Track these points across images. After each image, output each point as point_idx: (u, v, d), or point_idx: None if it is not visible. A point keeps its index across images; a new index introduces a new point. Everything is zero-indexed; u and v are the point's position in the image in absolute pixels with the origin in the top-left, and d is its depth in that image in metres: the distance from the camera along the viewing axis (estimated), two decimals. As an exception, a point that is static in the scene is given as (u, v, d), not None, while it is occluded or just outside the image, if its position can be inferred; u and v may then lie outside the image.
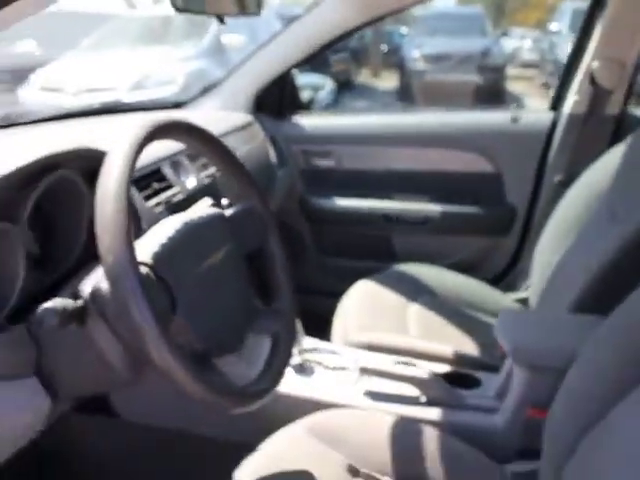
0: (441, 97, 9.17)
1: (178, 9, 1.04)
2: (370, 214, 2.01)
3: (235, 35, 6.49)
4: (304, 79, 2.30)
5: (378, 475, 1.04)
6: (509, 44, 14.27)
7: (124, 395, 1.37)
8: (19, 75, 6.36)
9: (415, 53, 9.88)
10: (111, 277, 0.70)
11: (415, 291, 1.64)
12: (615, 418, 0.74)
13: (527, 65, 12.74)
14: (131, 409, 1.39)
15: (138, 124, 0.81)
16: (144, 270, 0.75)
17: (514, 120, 1.87)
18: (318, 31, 1.88)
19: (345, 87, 10.63)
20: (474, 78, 9.43)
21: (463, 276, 1.76)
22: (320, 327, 1.51)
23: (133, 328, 0.70)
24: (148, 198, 1.17)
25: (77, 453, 1.50)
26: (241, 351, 0.90)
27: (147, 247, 0.79)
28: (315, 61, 2.04)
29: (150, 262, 0.77)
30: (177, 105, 2.00)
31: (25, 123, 1.48)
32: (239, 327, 0.91)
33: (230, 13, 1.07)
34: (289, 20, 2.02)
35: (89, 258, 0.92)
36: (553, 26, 10.88)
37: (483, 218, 1.95)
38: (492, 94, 9.27)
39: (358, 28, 1.90)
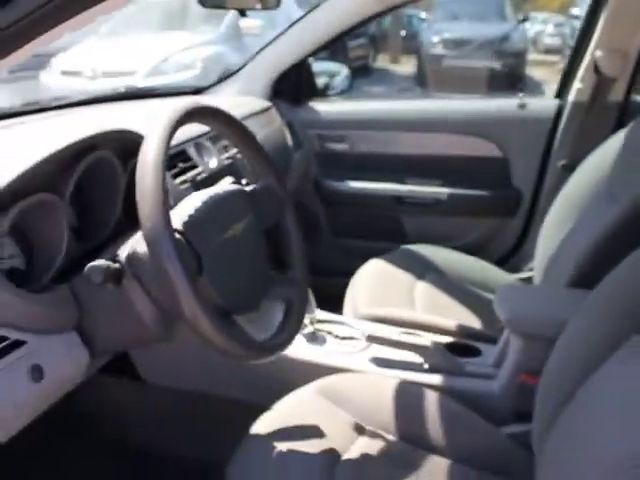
0: (459, 83, 9.07)
1: (203, 3, 1.14)
2: (382, 196, 2.10)
3: (252, 20, 6.54)
4: (320, 66, 2.36)
5: (382, 432, 1.13)
6: (531, 29, 14.10)
7: (148, 359, 1.48)
8: (43, 60, 6.47)
9: (434, 38, 9.79)
10: (149, 240, 0.81)
11: (423, 270, 1.72)
12: (597, 380, 0.82)
13: (549, 50, 12.56)
14: (154, 372, 1.49)
15: (170, 109, 0.91)
16: (176, 235, 0.86)
17: (521, 107, 1.94)
18: (335, 19, 1.95)
19: (363, 73, 10.54)
20: (493, 64, 9.30)
21: (470, 257, 1.83)
22: (333, 304, 1.59)
23: (167, 285, 0.81)
24: (175, 177, 1.27)
25: (102, 415, 1.61)
26: (257, 314, 1.00)
27: (178, 217, 0.89)
28: (333, 47, 2.11)
29: (181, 229, 0.88)
30: (198, 91, 2.09)
31: (57, 107, 1.58)
32: (256, 291, 1.01)
33: (251, 7, 1.16)
34: (308, 5, 2.10)
35: (122, 229, 1.03)
36: (575, 11, 10.73)
37: (490, 201, 2.02)
38: (511, 80, 9.08)
39: (375, 16, 1.97)
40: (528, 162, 1.96)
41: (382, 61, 12.31)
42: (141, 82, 5.61)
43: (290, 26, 2.01)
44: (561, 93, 1.95)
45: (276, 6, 1.23)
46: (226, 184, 1.06)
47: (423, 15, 13.15)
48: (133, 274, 0.89)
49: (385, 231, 2.14)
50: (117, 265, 0.88)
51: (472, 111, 2.03)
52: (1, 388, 0.84)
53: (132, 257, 0.89)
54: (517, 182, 1.99)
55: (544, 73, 10.51)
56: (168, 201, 0.83)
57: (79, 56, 6.35)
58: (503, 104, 2.02)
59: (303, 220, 1.72)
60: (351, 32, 1.97)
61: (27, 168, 0.89)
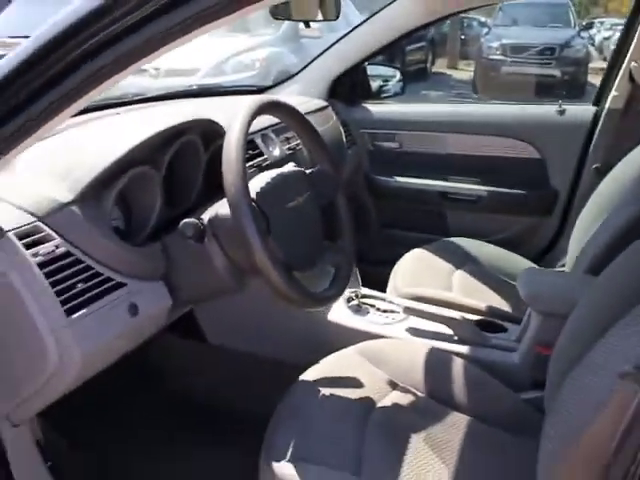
0: (516, 90, 9.01)
1: (273, 14, 1.35)
2: (427, 192, 2.25)
3: (311, 23, 6.72)
4: (376, 70, 2.54)
5: (412, 389, 1.29)
6: (598, 35, 13.77)
7: (214, 323, 1.70)
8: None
9: (494, 43, 9.72)
10: (231, 202, 1.03)
11: (461, 261, 1.87)
12: (601, 345, 0.89)
13: (616, 58, 12.15)
14: (218, 334, 1.71)
15: (249, 102, 1.13)
16: (252, 202, 1.07)
17: (560, 113, 2.08)
18: (390, 26, 2.12)
19: (421, 77, 10.51)
20: (553, 71, 9.22)
21: (506, 251, 1.96)
22: (378, 288, 1.74)
23: (242, 240, 1.02)
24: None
25: (169, 371, 1.82)
26: (312, 273, 1.21)
27: (252, 189, 1.11)
28: (390, 51, 2.29)
29: (255, 198, 1.10)
30: (261, 90, 2.31)
31: (139, 101, 1.81)
32: (312, 254, 1.23)
33: (313, 19, 1.36)
34: (368, 10, 2.27)
35: (202, 200, 1.25)
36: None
37: (528, 200, 2.15)
38: (571, 88, 8.84)
39: (428, 25, 2.14)
40: (565, 164, 2.09)
41: (440, 65, 12.27)
42: (202, 81, 5.79)
43: (349, 32, 2.20)
44: (599, 100, 2.07)
45: (336, 18, 1.42)
46: (289, 167, 1.27)
47: (483, 19, 13.09)
48: (213, 233, 1.12)
49: (428, 224, 2.29)
50: (200, 226, 1.10)
51: (513, 115, 2.17)
52: (106, 318, 1.07)
53: (214, 219, 1.11)
54: (554, 183, 2.12)
55: (607, 81, 10.22)
56: (246, 174, 1.05)
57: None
58: (543, 110, 2.15)
59: (354, 212, 1.92)
60: (405, 39, 2.13)
61: (132, 146, 1.12)
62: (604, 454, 0.75)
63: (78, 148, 1.20)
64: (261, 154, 1.60)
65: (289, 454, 1.10)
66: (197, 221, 1.09)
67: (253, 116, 1.12)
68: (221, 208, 1.12)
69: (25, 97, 0.81)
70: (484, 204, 2.20)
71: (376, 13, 2.16)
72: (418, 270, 1.82)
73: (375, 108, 2.34)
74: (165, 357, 1.80)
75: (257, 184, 1.13)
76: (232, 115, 1.14)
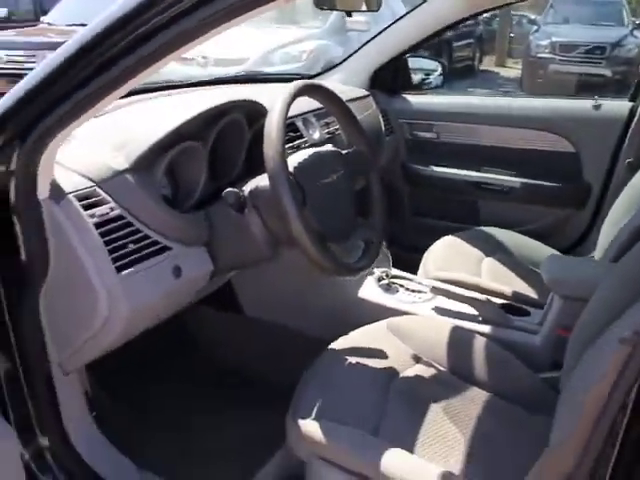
0: (565, 88, 8.89)
1: (316, 4, 1.42)
2: (461, 181, 2.30)
3: (358, 17, 6.76)
4: (418, 62, 2.61)
5: (435, 364, 1.36)
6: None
7: (250, 295, 1.80)
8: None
9: (543, 41, 9.55)
10: (271, 175, 1.13)
11: (491, 249, 1.92)
12: (614, 327, 0.95)
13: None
14: (254, 306, 1.80)
15: (290, 85, 1.22)
16: (289, 175, 1.17)
17: (596, 108, 2.10)
18: (431, 20, 2.17)
19: (467, 73, 10.43)
20: (604, 70, 9.03)
21: (537, 242, 1.99)
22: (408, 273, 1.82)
23: (280, 210, 1.11)
24: (285, 143, 1.58)
25: (205, 340, 1.92)
26: (344, 246, 1.29)
27: (290, 164, 1.21)
28: (438, 46, 2.34)
29: (292, 171, 1.20)
30: (304, 78, 2.39)
31: (189, 85, 1.92)
32: (345, 227, 1.31)
33: (357, 9, 1.44)
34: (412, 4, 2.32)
35: (244, 176, 1.35)
36: None
37: (561, 192, 2.18)
38: (620, 88, 8.74)
39: (469, 18, 2.19)
40: (599, 158, 2.11)
41: (488, 63, 12.14)
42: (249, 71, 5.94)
43: (391, 24, 2.26)
44: (635, 97, 2.09)
45: (377, 9, 1.49)
46: (327, 147, 1.36)
47: (533, 17, 12.88)
48: (253, 205, 1.21)
49: (461, 213, 2.35)
50: (241, 196, 1.20)
51: (549, 109, 2.20)
52: (153, 278, 1.17)
53: (254, 190, 1.21)
54: (587, 176, 2.14)
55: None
56: (285, 150, 1.14)
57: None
58: (579, 104, 2.18)
59: (388, 199, 1.98)
60: (443, 33, 2.19)
61: (183, 122, 1.23)
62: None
63: (133, 123, 1.32)
64: (301, 136, 1.69)
65: (314, 413, 1.19)
66: (239, 191, 1.19)
67: (293, 97, 1.21)
68: (261, 181, 1.21)
69: (84, 76, 0.92)
70: (517, 195, 2.23)
71: (418, 6, 2.22)
72: (449, 256, 1.88)
73: (414, 99, 2.40)
74: (201, 327, 1.90)
75: (295, 160, 1.23)
76: (275, 97, 1.23)
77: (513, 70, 11.37)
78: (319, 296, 1.73)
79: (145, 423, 1.59)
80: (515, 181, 2.23)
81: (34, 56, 5.89)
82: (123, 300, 1.12)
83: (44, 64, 0.94)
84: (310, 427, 1.17)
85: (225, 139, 1.37)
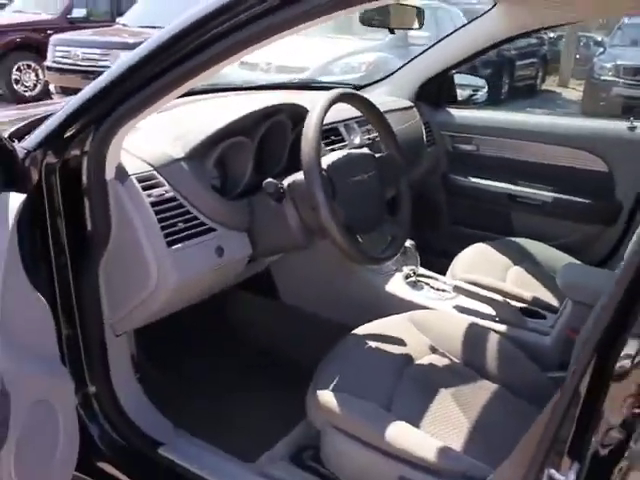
0: (626, 112, 8.73)
1: (362, 22, 1.58)
2: (497, 193, 2.39)
3: (420, 32, 6.87)
4: (464, 79, 2.72)
5: (450, 355, 1.47)
6: None
7: (287, 283, 1.94)
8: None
9: (607, 63, 9.35)
10: (306, 170, 1.29)
11: (519, 258, 2.00)
12: None
13: None
14: (290, 293, 1.95)
15: (329, 92, 1.38)
16: (322, 171, 1.32)
17: (631, 129, 2.17)
18: (477, 38, 2.27)
19: (528, 93, 10.34)
20: (670, 97, 8.94)
21: (566, 255, 2.05)
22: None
23: (312, 203, 1.26)
24: (327, 145, 1.73)
25: (243, 323, 2.07)
26: (370, 238, 1.43)
27: (324, 161, 1.36)
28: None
29: (325, 168, 1.35)
30: (354, 88, 2.53)
31: (246, 88, 2.10)
32: (371, 222, 1.46)
33: (410, 27, 1.58)
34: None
35: (286, 171, 1.50)
36: None
37: (592, 209, 2.24)
38: None
39: (515, 38, 2.29)
40: (631, 178, 2.17)
41: (551, 83, 12.03)
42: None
43: (439, 41, 2.38)
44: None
45: (419, 27, 1.64)
46: (361, 150, 1.50)
47: (599, 38, 12.68)
48: (290, 196, 1.36)
49: (495, 223, 2.42)
50: (281, 189, 1.35)
51: (586, 129, 2.27)
52: (198, 254, 1.34)
53: (292, 184, 1.37)
54: (619, 195, 2.20)
55: None
56: (320, 148, 1.29)
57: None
58: (614, 125, 2.24)
59: (427, 208, 2.10)
60: (488, 51, 2.29)
61: (234, 119, 1.40)
62: None
63: (190, 118, 1.50)
64: (343, 140, 1.84)
65: (332, 387, 1.32)
66: (277, 182, 1.34)
67: (330, 103, 1.36)
68: (299, 176, 1.37)
69: (153, 74, 1.09)
70: (549, 209, 2.30)
71: (466, 24, 2.34)
72: (477, 261, 1.97)
73: (457, 113, 2.51)
74: (238, 310, 2.05)
75: (329, 158, 1.39)
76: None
77: (575, 92, 11.20)
78: (350, 288, 1.86)
79: (181, 389, 1.74)
80: (549, 196, 2.30)
81: (108, 55, 6.25)
82: (171, 271, 1.29)
83: (121, 62, 1.12)
84: (327, 397, 1.29)
85: (271, 137, 1.53)
